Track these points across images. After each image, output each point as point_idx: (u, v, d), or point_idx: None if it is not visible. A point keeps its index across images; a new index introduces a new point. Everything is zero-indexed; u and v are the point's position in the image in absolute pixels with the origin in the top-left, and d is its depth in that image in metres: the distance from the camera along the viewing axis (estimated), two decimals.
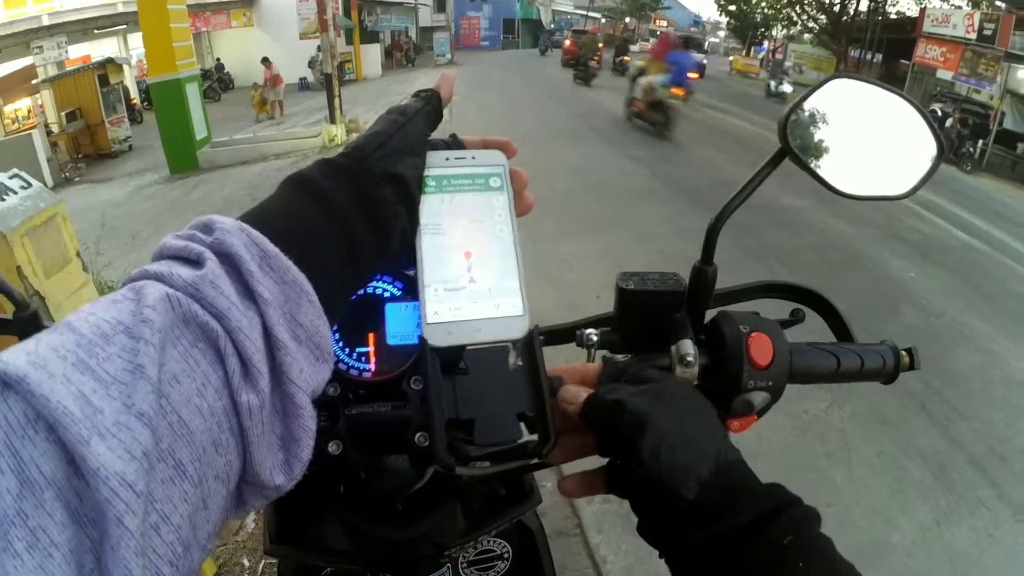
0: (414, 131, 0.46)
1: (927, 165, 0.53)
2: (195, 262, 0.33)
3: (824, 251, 5.42)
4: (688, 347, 0.48)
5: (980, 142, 12.92)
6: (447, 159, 0.47)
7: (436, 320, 0.43)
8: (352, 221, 0.40)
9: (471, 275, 0.44)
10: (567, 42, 22.44)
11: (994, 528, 2.47)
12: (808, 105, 0.51)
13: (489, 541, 0.78)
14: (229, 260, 0.33)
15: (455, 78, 0.52)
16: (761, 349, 0.48)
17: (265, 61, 15.57)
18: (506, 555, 0.81)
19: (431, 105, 0.48)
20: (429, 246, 0.44)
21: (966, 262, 5.82)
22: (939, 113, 14.55)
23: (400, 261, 0.48)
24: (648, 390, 0.43)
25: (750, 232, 5.46)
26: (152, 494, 0.26)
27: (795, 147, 0.49)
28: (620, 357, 0.51)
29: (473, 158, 0.48)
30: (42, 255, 2.92)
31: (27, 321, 0.56)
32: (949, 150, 12.98)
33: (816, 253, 5.34)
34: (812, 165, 0.50)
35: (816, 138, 0.51)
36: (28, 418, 0.24)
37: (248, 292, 0.33)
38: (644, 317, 0.52)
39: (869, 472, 2.69)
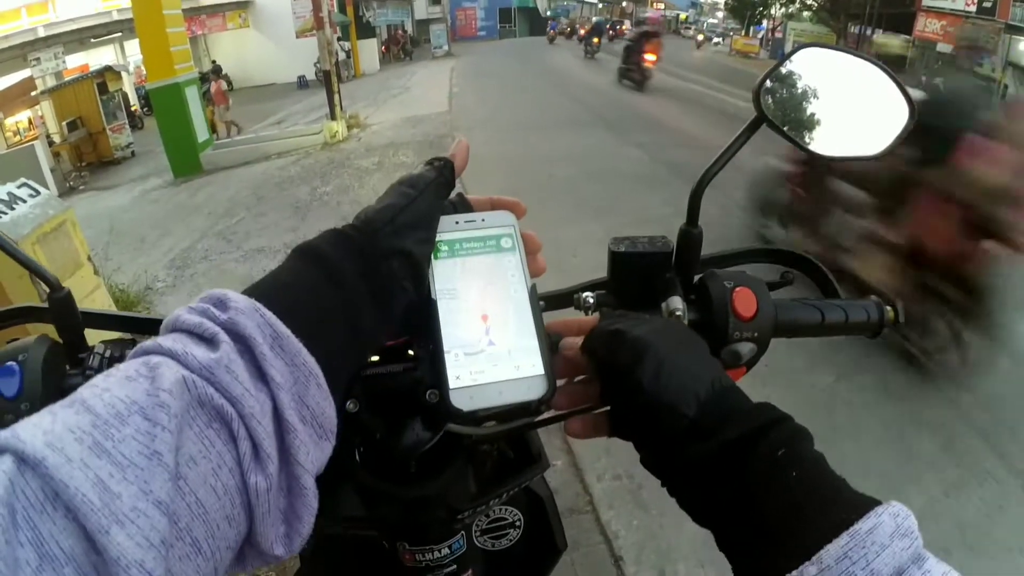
0: (425, 204, 0.46)
1: (900, 126, 0.55)
2: (209, 341, 0.34)
3: None
4: (677, 303, 0.51)
5: None
6: (457, 223, 0.48)
7: (458, 385, 0.43)
8: (359, 296, 0.41)
9: (489, 338, 0.45)
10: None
11: (1003, 499, 2.48)
12: (781, 74, 0.54)
13: (501, 509, 0.81)
14: (242, 341, 0.34)
15: (469, 147, 0.52)
16: (745, 302, 0.51)
17: (213, 73, 14.25)
18: (518, 523, 0.83)
19: (443, 176, 0.48)
20: (446, 311, 0.45)
21: None
22: (942, 88, 14.40)
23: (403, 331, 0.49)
24: (646, 321, 0.46)
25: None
26: (169, 570, 0.27)
27: (770, 114, 0.52)
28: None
29: (483, 220, 0.49)
30: (53, 260, 2.98)
31: (61, 302, 0.58)
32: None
33: None
34: (787, 130, 0.53)
35: (790, 104, 0.54)
36: (47, 495, 0.25)
37: (260, 374, 0.34)
38: (636, 278, 0.55)
39: (877, 444, 2.71)
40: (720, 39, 38.18)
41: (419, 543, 0.70)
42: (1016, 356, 3.15)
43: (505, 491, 0.71)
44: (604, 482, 2.37)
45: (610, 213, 5.46)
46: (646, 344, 0.43)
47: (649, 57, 11.59)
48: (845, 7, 21.15)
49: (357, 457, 0.60)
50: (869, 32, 20.37)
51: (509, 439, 0.72)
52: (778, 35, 28.49)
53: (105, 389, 0.30)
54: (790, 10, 28.76)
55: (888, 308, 0.60)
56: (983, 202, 2.75)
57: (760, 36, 32.63)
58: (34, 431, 0.27)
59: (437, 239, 0.47)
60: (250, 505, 0.32)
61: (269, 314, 0.36)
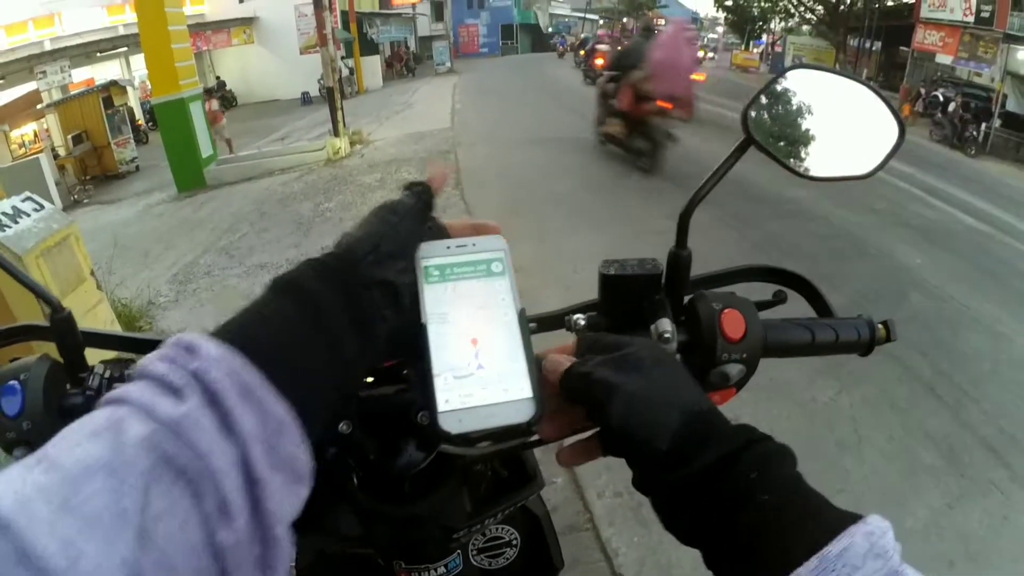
0: (405, 231, 0.46)
1: (889, 146, 0.55)
2: (177, 392, 0.33)
3: (828, 240, 5.42)
4: (666, 325, 0.52)
5: (983, 125, 12.82)
6: (448, 247, 0.48)
7: (447, 408, 0.43)
8: (340, 328, 0.40)
9: (479, 361, 0.45)
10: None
11: (1007, 510, 2.47)
12: (769, 95, 0.54)
13: (497, 528, 0.81)
14: (211, 392, 0.33)
15: (448, 175, 0.54)
16: (733, 324, 0.52)
17: (207, 92, 13.51)
18: (514, 542, 0.83)
19: (422, 202, 0.49)
20: (436, 335, 0.45)
21: (972, 245, 5.81)
22: (941, 98, 14.48)
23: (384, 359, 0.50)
24: (613, 358, 0.46)
25: (751, 225, 5.50)
26: None
27: (757, 136, 0.53)
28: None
29: (474, 245, 0.49)
30: (57, 275, 2.99)
31: (62, 322, 0.59)
32: (953, 135, 12.92)
33: (821, 243, 5.33)
34: (775, 152, 0.53)
35: (779, 125, 0.55)
36: (17, 555, 0.26)
37: (229, 426, 0.33)
38: (625, 300, 0.56)
39: (879, 457, 2.70)
40: (714, 54, 36.05)
41: (415, 561, 0.70)
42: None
43: (500, 510, 0.71)
44: (605, 499, 2.36)
45: (611, 224, 5.48)
46: (612, 386, 0.43)
47: (599, 61, 14.60)
48: (844, 21, 21.30)
49: (354, 478, 0.61)
50: (868, 45, 20.50)
51: (504, 459, 0.73)
52: (778, 49, 28.69)
53: (74, 444, 0.30)
54: (790, 24, 28.96)
55: (880, 326, 0.60)
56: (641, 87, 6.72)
57: (760, 51, 32.83)
58: (4, 490, 0.27)
59: (428, 264, 0.47)
60: (222, 562, 0.32)
61: (239, 360, 0.35)
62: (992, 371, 3.46)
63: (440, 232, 0.50)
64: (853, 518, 0.34)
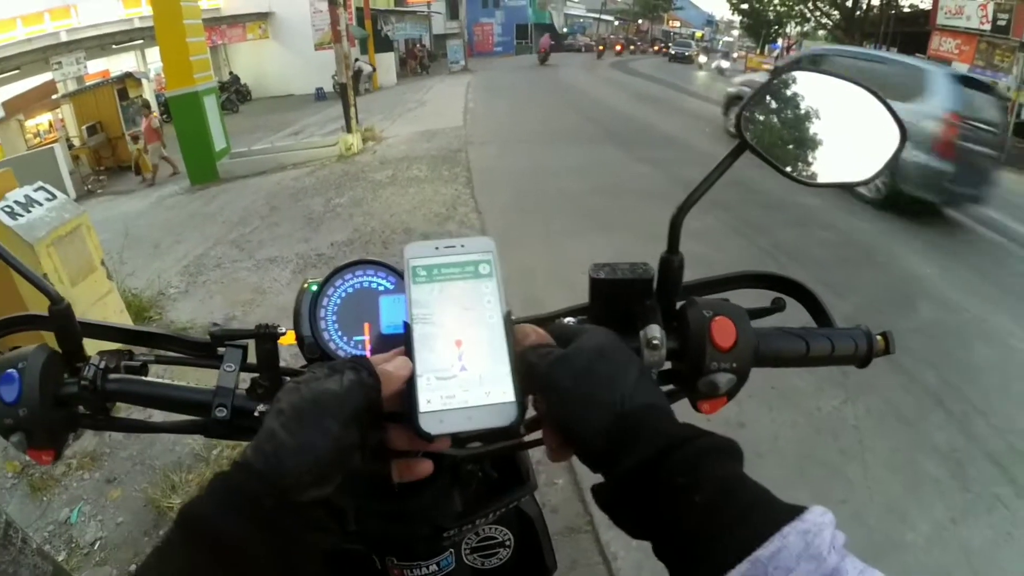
0: (349, 440, 0.41)
1: (891, 150, 0.54)
2: None
3: (838, 248, 5.38)
4: (655, 331, 0.52)
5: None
6: (436, 248, 0.48)
7: (429, 409, 0.43)
8: (267, 570, 0.35)
9: (462, 363, 0.45)
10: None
11: (1012, 526, 2.44)
12: (765, 99, 0.54)
13: (489, 528, 0.81)
14: None
15: (405, 377, 0.45)
16: (724, 332, 0.51)
17: (145, 108, 12.43)
18: (507, 542, 0.84)
19: (367, 399, 0.43)
20: (420, 335, 0.45)
21: (987, 257, 5.74)
22: None
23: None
24: (563, 353, 0.45)
25: (761, 231, 5.46)
26: None
27: (753, 140, 0.52)
28: None
29: (462, 246, 0.49)
30: (68, 264, 3.03)
31: (61, 313, 0.60)
32: None
33: (830, 250, 5.29)
34: (771, 156, 0.53)
35: (775, 130, 0.54)
36: None
37: None
38: (616, 304, 0.56)
39: (884, 469, 2.67)
40: (725, 60, 31.59)
41: (407, 558, 0.71)
42: None
43: (491, 511, 0.71)
44: None
45: (616, 228, 5.47)
46: (551, 379, 0.43)
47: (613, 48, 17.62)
48: (860, 26, 21.13)
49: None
50: (884, 51, 20.31)
51: (496, 461, 0.73)
52: (793, 54, 28.51)
53: None
54: (805, 29, 28.76)
55: (879, 338, 0.59)
56: None
57: (775, 55, 32.62)
58: None
59: (415, 264, 0.47)
60: None
61: None
62: (1001, 385, 3.42)
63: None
64: (790, 515, 0.33)
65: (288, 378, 0.63)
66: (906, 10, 20.15)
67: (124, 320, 3.50)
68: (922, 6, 19.60)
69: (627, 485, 0.39)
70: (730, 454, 0.39)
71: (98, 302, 3.24)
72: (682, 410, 0.52)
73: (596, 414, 0.41)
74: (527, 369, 0.45)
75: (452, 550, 0.75)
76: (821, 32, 26.50)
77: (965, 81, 6.51)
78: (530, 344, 0.48)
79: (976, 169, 6.15)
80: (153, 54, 17.50)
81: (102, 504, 2.43)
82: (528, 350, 0.46)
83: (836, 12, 22.72)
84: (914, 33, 17.82)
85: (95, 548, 2.24)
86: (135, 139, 11.97)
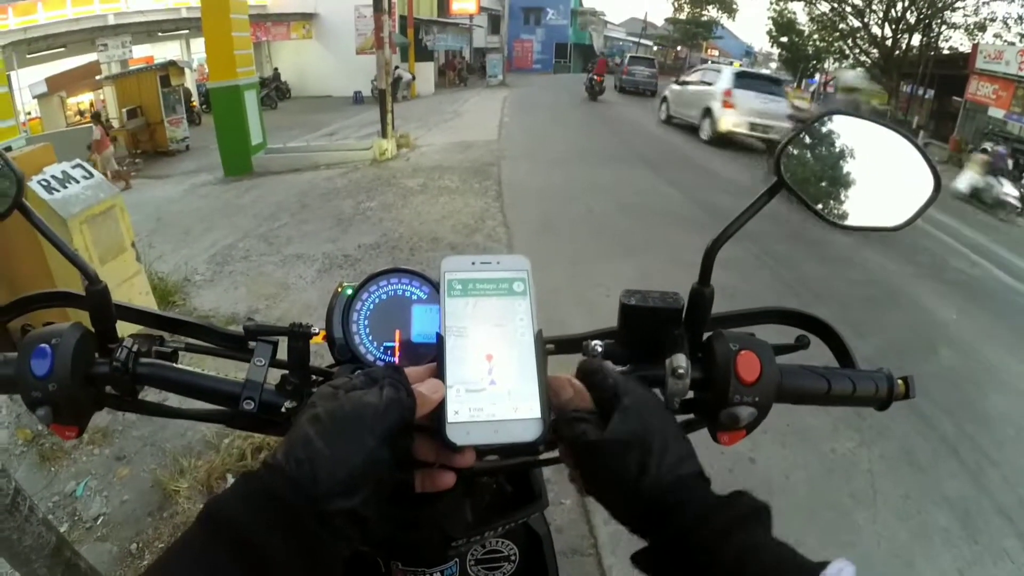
0: (382, 455, 0.41)
1: (924, 198, 0.54)
2: None
3: (863, 286, 5.31)
4: (681, 360, 0.52)
5: None
6: (472, 263, 0.49)
7: (457, 420, 0.44)
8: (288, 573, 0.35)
9: (492, 377, 0.45)
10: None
11: None
12: (803, 140, 0.54)
13: (496, 542, 0.81)
14: None
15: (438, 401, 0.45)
16: (748, 366, 0.51)
17: (95, 117, 11.41)
18: (513, 557, 0.83)
19: (401, 418, 0.42)
20: (452, 347, 0.46)
21: (1011, 305, 5.65)
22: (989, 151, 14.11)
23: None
24: (593, 434, 0.46)
25: (787, 265, 5.42)
26: None
27: (790, 180, 0.52)
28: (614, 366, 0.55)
29: (498, 263, 0.50)
30: (99, 242, 3.09)
31: (98, 295, 0.61)
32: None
33: (856, 288, 5.23)
34: (806, 197, 0.53)
35: (811, 171, 0.54)
36: None
37: None
38: (644, 331, 0.56)
39: (893, 515, 2.62)
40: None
41: (412, 564, 0.71)
42: None
43: (501, 525, 0.71)
44: (611, 525, 2.32)
45: (644, 251, 5.47)
46: (594, 447, 0.44)
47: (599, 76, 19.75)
48: (898, 65, 20.93)
49: None
50: (921, 92, 20.10)
51: (510, 475, 0.73)
52: (829, 90, 28.29)
53: None
54: (843, 65, 28.56)
55: (900, 382, 0.59)
56: None
57: (812, 89, 32.40)
58: None
59: (451, 278, 0.48)
60: None
61: None
62: (1017, 436, 3.34)
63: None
64: (813, 573, 0.35)
65: (316, 377, 0.64)
66: (945, 52, 19.91)
67: (149, 302, 3.56)
68: (962, 49, 19.37)
69: (666, 553, 0.41)
70: (757, 518, 0.40)
71: (124, 283, 3.30)
72: (700, 440, 0.52)
73: (635, 487, 0.43)
74: (567, 441, 0.46)
75: (458, 560, 0.75)
76: (859, 69, 26.28)
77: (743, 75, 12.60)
78: (566, 400, 0.48)
79: None
80: (197, 45, 17.92)
81: (109, 480, 2.46)
82: (566, 423, 0.47)
83: (875, 50, 22.54)
84: (952, 76, 17.61)
85: (98, 523, 2.25)
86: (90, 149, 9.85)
